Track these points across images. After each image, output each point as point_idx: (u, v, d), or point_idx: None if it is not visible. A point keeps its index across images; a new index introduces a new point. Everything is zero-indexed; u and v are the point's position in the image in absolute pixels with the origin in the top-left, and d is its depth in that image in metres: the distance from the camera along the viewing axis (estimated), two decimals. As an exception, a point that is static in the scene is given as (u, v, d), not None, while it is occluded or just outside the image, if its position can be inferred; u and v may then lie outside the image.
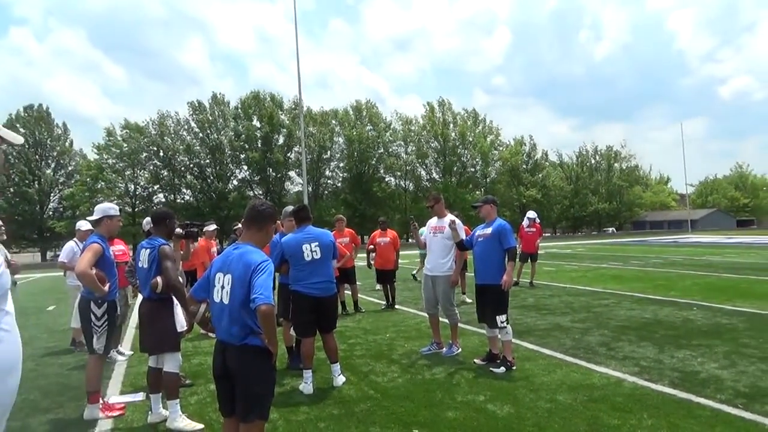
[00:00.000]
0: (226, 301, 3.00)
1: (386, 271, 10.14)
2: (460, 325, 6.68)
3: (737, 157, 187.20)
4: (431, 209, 6.55)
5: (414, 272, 14.14)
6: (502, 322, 5.64)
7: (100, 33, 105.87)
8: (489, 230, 5.84)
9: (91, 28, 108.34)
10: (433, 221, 6.55)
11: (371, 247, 10.38)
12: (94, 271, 4.46)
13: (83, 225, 7.13)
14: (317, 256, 5.16)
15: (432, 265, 6.40)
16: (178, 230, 4.95)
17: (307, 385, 5.08)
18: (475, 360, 5.98)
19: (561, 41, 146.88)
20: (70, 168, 52.85)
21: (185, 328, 4.55)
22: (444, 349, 6.41)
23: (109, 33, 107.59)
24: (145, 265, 4.51)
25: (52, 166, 52.16)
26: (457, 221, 6.25)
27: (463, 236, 6.19)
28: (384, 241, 10.19)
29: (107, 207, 4.95)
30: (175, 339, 4.49)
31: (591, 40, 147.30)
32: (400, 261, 10.61)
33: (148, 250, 4.52)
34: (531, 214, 13.33)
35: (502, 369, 5.54)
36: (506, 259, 5.75)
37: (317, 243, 5.19)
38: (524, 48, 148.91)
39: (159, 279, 4.36)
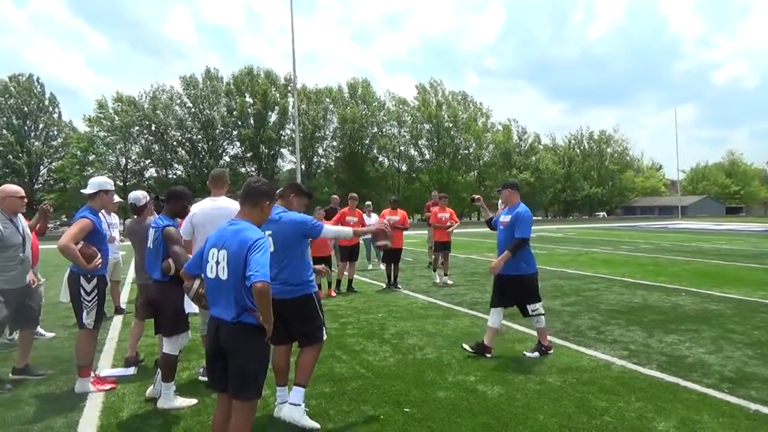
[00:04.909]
0: (222, 277, 2.96)
1: (394, 249, 10.15)
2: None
3: (727, 144, 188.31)
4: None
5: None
6: (534, 311, 5.48)
7: (81, 1, 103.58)
8: (509, 218, 5.58)
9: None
10: None
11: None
12: (80, 246, 4.40)
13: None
14: (271, 249, 3.69)
15: None
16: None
17: (278, 407, 4.03)
18: (525, 353, 5.59)
19: (554, 21, 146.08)
20: (59, 140, 52.17)
21: (194, 310, 4.44)
22: None
23: (90, 1, 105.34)
24: (151, 246, 4.36)
25: (42, 137, 51.46)
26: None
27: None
28: (394, 220, 10.18)
29: (104, 181, 4.83)
30: (186, 320, 4.41)
31: (584, 20, 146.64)
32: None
33: (153, 230, 4.36)
34: None
35: (536, 354, 5.46)
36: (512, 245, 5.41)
37: (271, 232, 3.82)
38: (517, 27, 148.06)
39: (171, 262, 4.20)
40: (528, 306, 5.51)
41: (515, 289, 5.53)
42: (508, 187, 5.84)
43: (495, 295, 5.69)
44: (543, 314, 5.60)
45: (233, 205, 4.78)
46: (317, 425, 3.81)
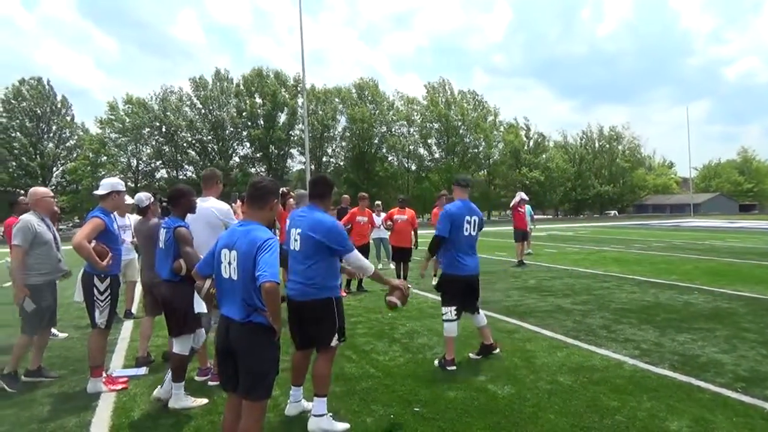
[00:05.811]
0: (234, 277, 2.98)
1: (403, 248, 10.14)
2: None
3: (740, 140, 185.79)
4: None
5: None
6: (443, 314, 5.20)
7: (89, 2, 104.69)
8: None
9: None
10: None
11: (389, 222, 10.40)
12: (93, 245, 4.45)
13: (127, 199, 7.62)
14: (297, 247, 3.87)
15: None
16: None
17: (289, 405, 4.12)
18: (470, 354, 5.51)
19: (562, 18, 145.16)
20: (71, 142, 52.69)
21: (203, 310, 4.44)
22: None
23: (98, 3, 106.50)
24: (162, 246, 4.36)
25: (55, 140, 51.97)
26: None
27: None
28: (402, 219, 10.19)
29: (116, 182, 4.90)
30: (195, 320, 4.41)
31: (593, 17, 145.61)
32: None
33: (164, 230, 4.36)
34: (523, 195, 14.45)
35: (435, 363, 5.20)
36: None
37: (300, 230, 3.85)
38: (525, 25, 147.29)
39: (182, 262, 4.22)
40: (443, 307, 5.21)
41: (466, 289, 5.25)
42: (453, 183, 5.57)
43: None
44: (449, 321, 5.16)
45: (218, 206, 4.82)
46: (347, 425, 3.82)
